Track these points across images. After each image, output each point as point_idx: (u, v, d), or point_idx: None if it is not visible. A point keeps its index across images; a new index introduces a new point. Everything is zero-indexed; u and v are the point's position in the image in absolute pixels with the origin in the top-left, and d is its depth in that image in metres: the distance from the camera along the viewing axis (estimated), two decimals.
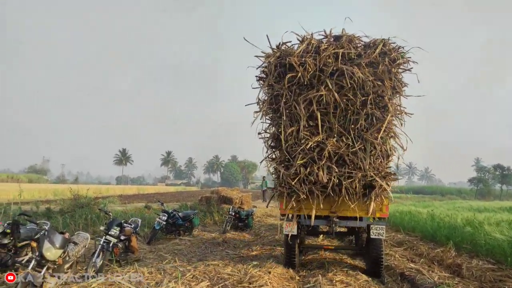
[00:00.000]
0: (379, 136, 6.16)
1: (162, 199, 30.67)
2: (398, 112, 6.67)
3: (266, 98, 6.85)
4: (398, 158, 6.51)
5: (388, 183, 6.15)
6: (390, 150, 6.38)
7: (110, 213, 6.93)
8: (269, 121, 7.00)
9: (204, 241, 9.94)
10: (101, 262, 6.00)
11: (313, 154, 6.13)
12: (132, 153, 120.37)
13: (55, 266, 4.59)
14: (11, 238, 5.55)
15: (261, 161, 6.92)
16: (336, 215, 6.52)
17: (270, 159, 6.91)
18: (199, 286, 5.35)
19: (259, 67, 7.00)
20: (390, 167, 6.49)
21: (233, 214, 12.01)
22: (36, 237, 6.25)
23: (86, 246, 5.74)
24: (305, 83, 6.35)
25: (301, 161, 6.13)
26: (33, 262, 4.32)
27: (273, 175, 6.81)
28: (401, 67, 6.64)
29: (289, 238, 6.66)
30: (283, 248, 7.59)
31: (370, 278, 6.34)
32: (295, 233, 6.59)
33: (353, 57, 6.40)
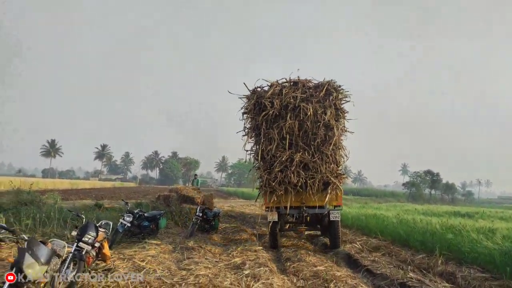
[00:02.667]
0: (330, 149, 9.10)
1: (100, 195, 28.56)
2: (342, 132, 9.67)
3: (250, 127, 9.91)
4: (344, 162, 9.83)
5: (340, 181, 9.22)
6: (339, 158, 9.47)
7: (82, 216, 5.79)
8: (253, 142, 9.98)
9: (174, 245, 9.00)
10: (73, 274, 4.93)
11: (286, 163, 9.00)
12: (62, 144, 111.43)
13: (37, 286, 3.49)
14: None
15: (250, 170, 10.35)
16: (305, 205, 9.26)
17: (256, 168, 9.97)
18: None
19: (242, 107, 10.11)
20: (340, 170, 9.48)
21: (200, 215, 11.14)
22: None
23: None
24: (275, 115, 9.28)
25: (278, 169, 9.01)
26: (5, 286, 3.24)
27: (259, 180, 9.63)
28: (343, 99, 9.69)
29: (271, 224, 9.40)
30: (267, 236, 10.05)
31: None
32: (277, 219, 9.37)
33: (306, 97, 9.31)
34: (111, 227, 6.86)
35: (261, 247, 9.21)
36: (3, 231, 5.20)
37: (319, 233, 11.25)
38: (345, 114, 9.72)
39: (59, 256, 4.24)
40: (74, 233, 5.28)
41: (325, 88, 9.36)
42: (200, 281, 5.54)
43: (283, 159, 8.95)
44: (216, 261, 7.31)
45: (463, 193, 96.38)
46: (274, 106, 9.18)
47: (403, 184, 67.92)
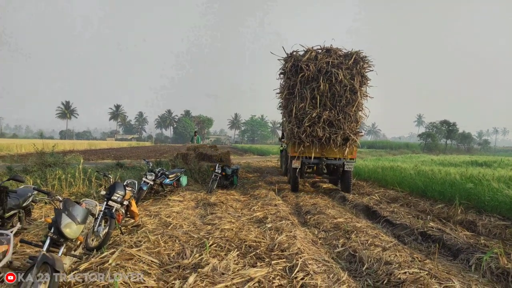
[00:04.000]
0: (353, 110, 10.46)
1: (118, 155, 29.21)
2: (364, 96, 10.77)
3: (284, 85, 11.24)
4: (363, 121, 11.17)
5: (357, 137, 10.71)
6: (359, 118, 10.72)
7: (110, 176, 5.96)
8: (287, 99, 11.14)
9: (196, 202, 9.27)
10: (105, 231, 5.17)
11: (314, 120, 10.45)
12: (77, 106, 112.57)
13: (75, 245, 3.67)
14: None
15: (281, 123, 12.55)
16: (325, 156, 11.02)
17: (287, 122, 11.19)
18: (230, 256, 4.76)
19: (280, 69, 11.62)
20: (358, 128, 10.81)
21: (219, 172, 11.34)
22: (24, 205, 5.25)
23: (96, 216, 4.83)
24: (308, 77, 10.58)
25: (308, 124, 10.48)
26: (47, 241, 3.41)
27: (288, 133, 11.21)
28: (367, 68, 10.78)
29: (293, 170, 11.31)
30: (285, 191, 11.45)
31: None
32: (299, 167, 11.15)
33: (337, 63, 10.52)
34: (136, 185, 7.06)
35: (281, 201, 9.44)
36: (35, 192, 5.43)
37: (326, 181, 13.46)
38: (368, 81, 10.84)
39: (92, 215, 4.42)
40: (103, 192, 5.46)
41: (353, 57, 10.56)
42: (225, 235, 5.74)
43: (313, 115, 10.39)
44: (238, 216, 7.53)
45: (479, 142, 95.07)
46: (309, 69, 10.48)
47: (419, 135, 67.12)
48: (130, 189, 6.18)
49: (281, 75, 11.56)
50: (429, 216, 7.85)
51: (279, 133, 22.55)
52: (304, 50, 10.93)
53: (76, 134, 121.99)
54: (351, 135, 10.43)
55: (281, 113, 14.15)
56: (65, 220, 3.47)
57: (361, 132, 11.16)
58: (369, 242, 5.77)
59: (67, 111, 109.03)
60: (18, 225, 5.04)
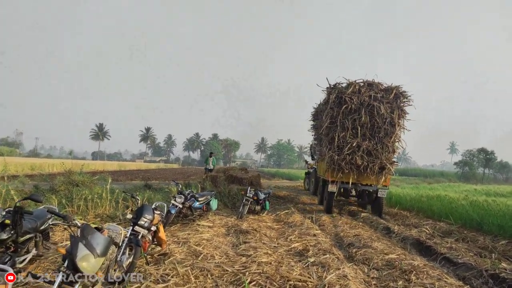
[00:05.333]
0: (391, 141, 10.95)
1: (147, 176, 29.09)
2: (402, 128, 11.29)
3: (327, 114, 11.50)
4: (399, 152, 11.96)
5: (392, 166, 11.16)
6: (396, 148, 11.19)
7: (138, 197, 5.39)
8: (329, 128, 11.51)
9: (227, 228, 8.58)
10: (129, 261, 4.54)
11: (354, 149, 10.91)
12: (109, 128, 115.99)
13: (92, 282, 3.01)
14: (12, 232, 4.01)
15: (310, 146, 14.95)
16: (360, 183, 11.53)
17: (328, 149, 11.46)
18: None
19: (324, 99, 12.42)
20: (394, 158, 11.32)
21: (251, 196, 10.64)
22: (42, 228, 4.73)
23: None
24: (351, 109, 11.02)
25: (348, 152, 10.93)
26: (58, 277, 2.80)
27: (328, 159, 11.45)
28: (406, 103, 11.27)
29: (330, 194, 11.63)
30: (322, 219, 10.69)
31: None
32: (335, 191, 11.52)
33: (378, 97, 11.01)
34: (165, 209, 6.48)
35: (319, 231, 8.60)
36: (51, 219, 4.87)
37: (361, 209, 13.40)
38: (406, 115, 11.31)
39: (116, 244, 3.81)
40: (129, 216, 4.88)
41: (393, 92, 11.06)
42: (264, 270, 4.99)
43: (353, 144, 10.87)
44: (275, 247, 6.76)
45: None
46: (353, 101, 10.95)
47: (455, 163, 63.88)
48: (159, 212, 5.58)
49: (324, 105, 12.23)
50: (493, 255, 6.79)
51: (306, 157, 23.00)
52: (346, 83, 11.44)
53: (107, 155, 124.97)
54: (387, 164, 10.99)
55: (312, 135, 16.41)
56: (82, 251, 2.85)
57: (396, 162, 11.69)
58: (436, 286, 4.87)
59: (100, 133, 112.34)
60: (33, 252, 4.49)
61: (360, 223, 10.39)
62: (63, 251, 2.91)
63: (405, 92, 11.25)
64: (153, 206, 5.50)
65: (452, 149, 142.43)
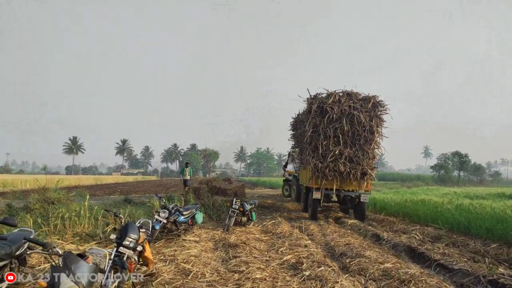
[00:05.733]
0: (371, 148, 11.63)
1: (125, 190, 28.22)
2: (380, 135, 11.95)
3: (309, 124, 11.90)
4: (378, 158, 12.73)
5: (373, 172, 11.76)
6: (375, 155, 11.90)
7: (121, 216, 5.02)
8: (311, 137, 11.96)
9: (214, 242, 8.25)
10: (114, 285, 4.17)
11: (337, 156, 11.47)
12: (83, 141, 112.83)
13: None
14: None
15: (288, 154, 16.06)
16: (343, 188, 11.96)
17: (311, 157, 11.91)
18: None
19: (306, 109, 12.76)
20: (374, 163, 11.95)
21: (237, 207, 10.34)
22: (18, 253, 4.29)
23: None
24: (333, 118, 11.60)
25: (331, 159, 11.47)
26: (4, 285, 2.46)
27: (312, 166, 11.85)
28: (383, 111, 11.91)
29: (314, 201, 12.03)
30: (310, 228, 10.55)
31: None
32: (319, 197, 11.85)
33: (357, 106, 11.61)
34: (150, 226, 6.12)
35: (309, 241, 8.39)
36: (28, 244, 4.44)
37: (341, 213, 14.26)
38: (383, 123, 12.01)
39: (102, 271, 3.45)
40: (112, 236, 4.50)
41: (371, 101, 11.71)
42: (260, 287, 4.72)
43: (336, 152, 11.42)
44: (266, 260, 6.50)
45: (491, 173, 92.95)
46: (334, 111, 11.56)
47: (432, 167, 65.57)
48: (144, 230, 5.22)
49: (306, 115, 12.58)
50: (487, 259, 6.76)
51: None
52: (326, 93, 12.07)
53: (82, 169, 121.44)
54: (369, 170, 11.56)
55: (292, 144, 17.14)
56: (66, 284, 2.51)
57: (377, 168, 12.28)
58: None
59: (74, 146, 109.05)
60: (5, 284, 4.05)
61: (349, 231, 10.26)
62: (43, 284, 2.56)
63: (381, 101, 11.93)
64: (137, 224, 5.14)
65: (426, 153, 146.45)
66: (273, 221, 11.46)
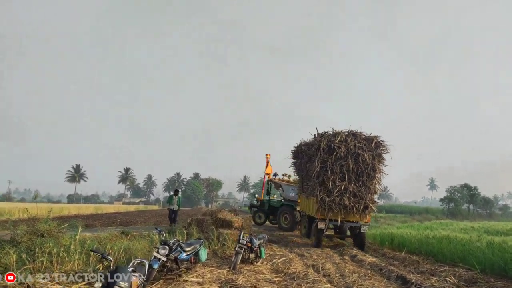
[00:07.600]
0: (373, 184, 12.96)
1: (125, 220, 27.11)
2: (381, 172, 13.28)
3: (317, 159, 13.02)
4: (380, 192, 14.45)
5: (374, 206, 13.11)
6: (377, 190, 13.26)
7: (110, 258, 4.16)
8: (319, 172, 13.08)
9: (220, 283, 7.26)
10: None
11: (342, 191, 12.63)
12: (86, 169, 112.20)
13: None
14: None
15: (316, 193, 13.23)
16: (346, 220, 13.06)
17: (318, 191, 12.96)
18: None
19: (315, 147, 13.62)
20: (375, 198, 13.33)
21: (245, 243, 9.37)
22: None
23: None
24: (339, 156, 12.75)
25: (337, 194, 12.60)
26: None
27: (317, 200, 13.03)
28: (384, 151, 13.28)
29: (319, 230, 13.16)
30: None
31: None
32: (324, 228, 12.97)
33: (362, 146, 12.86)
34: (146, 267, 5.21)
35: (328, 284, 7.38)
36: None
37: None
38: (384, 161, 13.29)
39: None
40: (97, 285, 3.64)
41: (374, 141, 12.99)
42: None
43: (342, 187, 12.55)
44: None
45: (500, 207, 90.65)
46: (341, 149, 12.67)
47: (441, 199, 63.87)
48: (138, 274, 4.34)
49: (314, 151, 13.50)
50: None
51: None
52: (332, 131, 13.46)
53: (84, 198, 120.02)
54: (370, 204, 12.76)
55: (293, 172, 18.72)
56: None
57: (377, 201, 13.63)
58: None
59: (76, 174, 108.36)
60: None
61: (369, 271, 9.21)
62: None
63: (383, 141, 13.27)
64: (130, 267, 4.26)
65: (431, 185, 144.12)
66: (284, 258, 10.45)
